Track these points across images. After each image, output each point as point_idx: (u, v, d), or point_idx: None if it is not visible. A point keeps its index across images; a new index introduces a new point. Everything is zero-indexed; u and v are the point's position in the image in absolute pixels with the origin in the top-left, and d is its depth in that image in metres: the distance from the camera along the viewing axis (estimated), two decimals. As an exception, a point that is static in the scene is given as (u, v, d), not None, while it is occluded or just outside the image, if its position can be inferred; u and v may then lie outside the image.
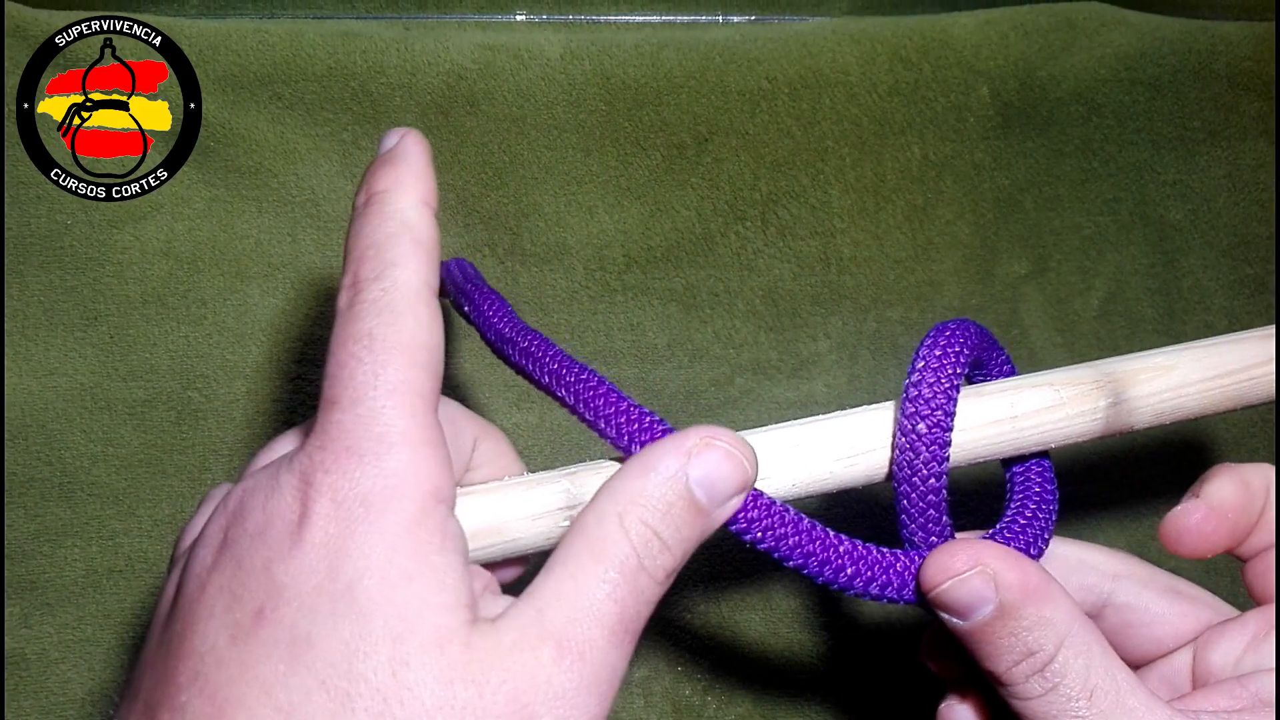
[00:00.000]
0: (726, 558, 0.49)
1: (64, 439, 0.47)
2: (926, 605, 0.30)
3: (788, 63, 0.52)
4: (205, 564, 0.26)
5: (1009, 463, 0.33)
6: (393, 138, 0.30)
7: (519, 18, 0.55)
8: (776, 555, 0.29)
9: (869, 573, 0.30)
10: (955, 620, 0.29)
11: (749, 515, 0.29)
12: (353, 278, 0.27)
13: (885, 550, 0.30)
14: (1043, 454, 0.33)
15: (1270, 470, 0.33)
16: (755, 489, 0.29)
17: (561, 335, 0.50)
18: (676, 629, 0.48)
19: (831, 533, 0.30)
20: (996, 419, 0.31)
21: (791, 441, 0.31)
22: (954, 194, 0.52)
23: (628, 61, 0.52)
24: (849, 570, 0.30)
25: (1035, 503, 0.32)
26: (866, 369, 0.51)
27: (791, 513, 0.29)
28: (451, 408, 0.32)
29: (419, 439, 0.25)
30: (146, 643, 0.27)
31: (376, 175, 0.29)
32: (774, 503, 0.29)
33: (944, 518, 0.31)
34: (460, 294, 0.36)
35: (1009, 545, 0.31)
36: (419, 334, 0.26)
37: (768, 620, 0.49)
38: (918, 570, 0.30)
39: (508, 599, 0.26)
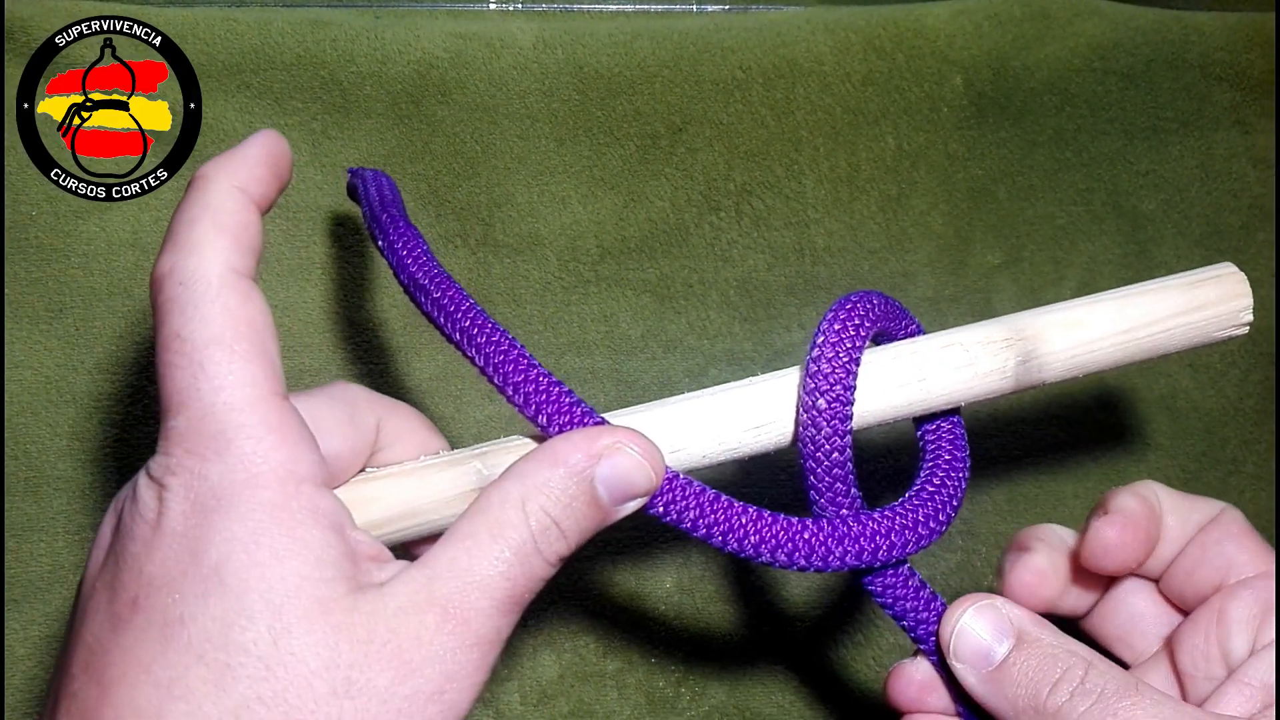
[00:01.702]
0: (700, 548, 0.49)
1: (29, 433, 0.47)
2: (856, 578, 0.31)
3: (762, 52, 0.52)
4: (96, 566, 0.27)
5: (920, 420, 0.33)
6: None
7: (491, 6, 0.54)
8: (681, 527, 0.29)
9: (774, 540, 0.29)
10: (978, 669, 0.30)
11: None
12: (153, 272, 0.27)
13: (791, 519, 0.30)
14: (954, 410, 0.33)
15: (1155, 486, 0.34)
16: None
17: (535, 326, 0.50)
18: (650, 622, 0.48)
19: (736, 503, 0.29)
20: (904, 382, 0.31)
21: (701, 413, 0.31)
22: (928, 184, 0.52)
23: (601, 51, 0.52)
24: (753, 539, 0.29)
25: (945, 469, 0.32)
26: (841, 360, 0.51)
27: (695, 485, 0.29)
28: (351, 391, 0.32)
29: (261, 428, 0.25)
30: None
31: (204, 164, 0.28)
32: (676, 475, 0.29)
33: (851, 488, 0.31)
34: (373, 221, 0.33)
35: (920, 512, 0.31)
36: (232, 324, 0.26)
37: (740, 612, 0.49)
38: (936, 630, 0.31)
39: (399, 564, 0.27)
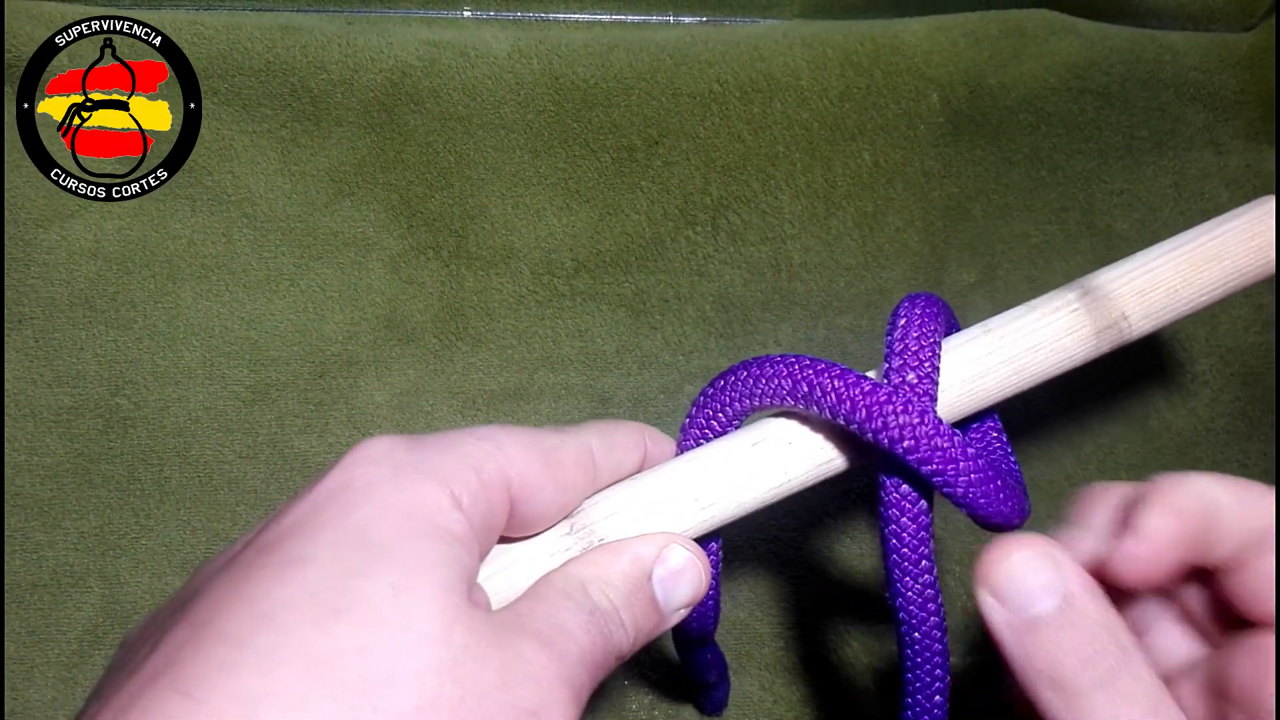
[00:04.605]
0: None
1: (-15, 447, 0.45)
2: None
3: (739, 66, 0.52)
4: (233, 549, 0.26)
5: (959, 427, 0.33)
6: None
7: (465, 14, 0.53)
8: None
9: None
10: (1013, 614, 0.27)
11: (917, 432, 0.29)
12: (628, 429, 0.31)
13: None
14: (989, 414, 0.33)
15: (1208, 481, 0.29)
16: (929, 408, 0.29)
17: (508, 341, 0.49)
18: (623, 640, 0.48)
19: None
20: (971, 336, 0.31)
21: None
22: (904, 201, 0.52)
23: (577, 61, 0.51)
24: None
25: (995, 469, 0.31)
26: (816, 376, 0.51)
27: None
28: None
29: (490, 479, 0.26)
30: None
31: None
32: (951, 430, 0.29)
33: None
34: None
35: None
36: (572, 484, 0.29)
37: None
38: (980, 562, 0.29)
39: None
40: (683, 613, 0.30)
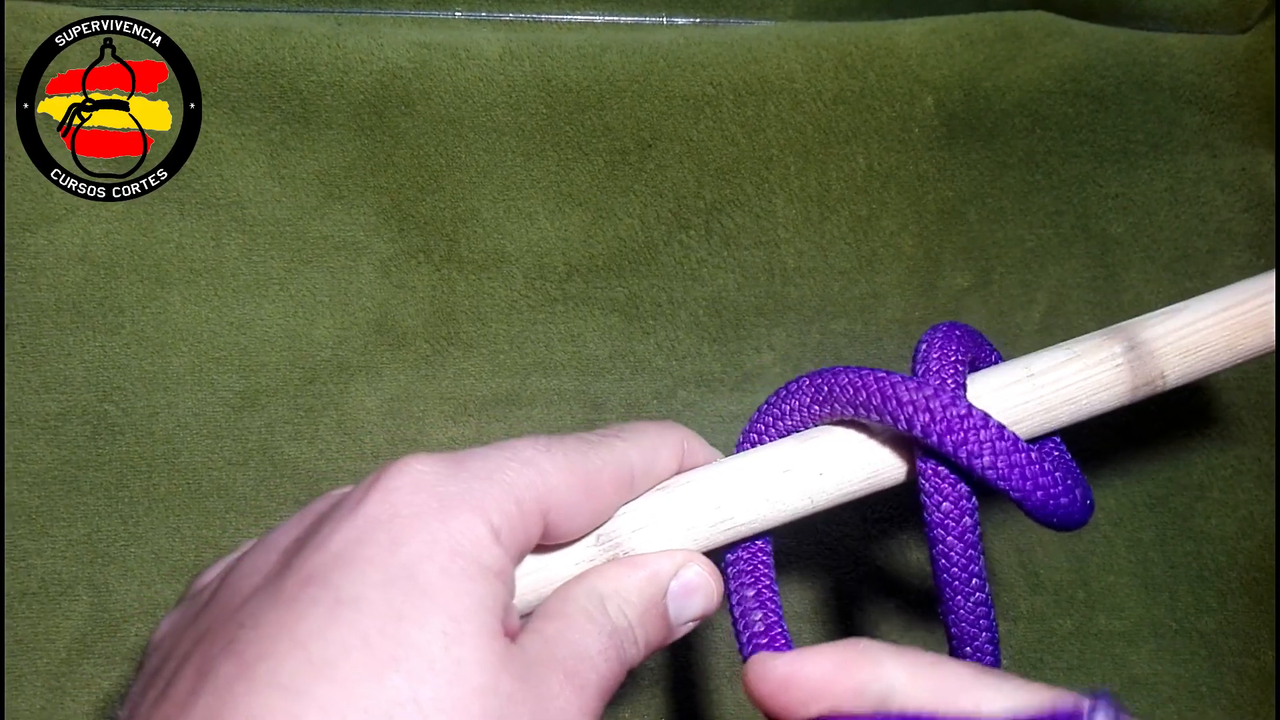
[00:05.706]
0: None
1: (-29, 454, 0.45)
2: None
3: (732, 68, 0.51)
4: (267, 559, 0.26)
5: None
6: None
7: (456, 15, 0.53)
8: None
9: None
10: None
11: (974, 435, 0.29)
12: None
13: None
14: (1053, 436, 0.33)
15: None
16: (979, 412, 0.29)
17: (500, 346, 0.49)
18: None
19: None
20: (1013, 379, 0.30)
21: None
22: (898, 205, 0.52)
23: (569, 63, 0.51)
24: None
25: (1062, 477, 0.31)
26: (810, 381, 0.50)
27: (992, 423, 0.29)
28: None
29: (529, 509, 0.26)
30: (152, 652, 0.27)
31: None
32: (984, 416, 0.29)
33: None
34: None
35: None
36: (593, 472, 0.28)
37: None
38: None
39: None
40: (690, 626, 0.30)
